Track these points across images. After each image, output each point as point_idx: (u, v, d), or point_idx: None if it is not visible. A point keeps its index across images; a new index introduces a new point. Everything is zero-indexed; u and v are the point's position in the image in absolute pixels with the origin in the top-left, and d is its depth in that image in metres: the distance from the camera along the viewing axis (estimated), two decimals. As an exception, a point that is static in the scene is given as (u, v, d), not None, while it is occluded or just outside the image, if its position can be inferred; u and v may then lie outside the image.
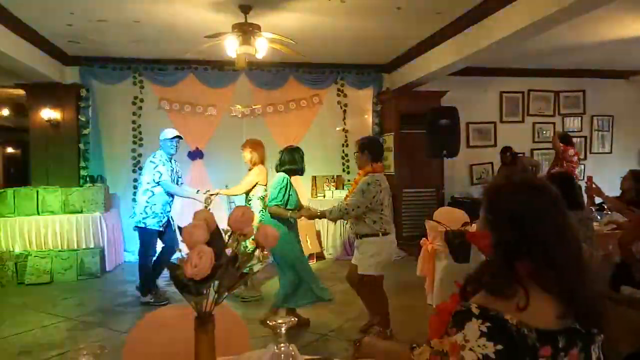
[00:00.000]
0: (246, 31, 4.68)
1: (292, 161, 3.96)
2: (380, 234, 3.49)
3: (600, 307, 1.11)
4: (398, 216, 7.17)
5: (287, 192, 3.83)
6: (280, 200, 3.78)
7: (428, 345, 1.11)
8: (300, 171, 4.04)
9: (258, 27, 4.74)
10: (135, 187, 7.00)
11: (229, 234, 0.94)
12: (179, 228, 0.93)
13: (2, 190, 6.10)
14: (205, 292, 0.90)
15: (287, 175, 3.90)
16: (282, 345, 1.20)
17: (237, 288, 0.96)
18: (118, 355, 1.58)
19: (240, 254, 0.91)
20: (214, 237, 0.91)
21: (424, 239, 4.48)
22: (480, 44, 5.16)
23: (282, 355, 1.19)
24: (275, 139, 6.90)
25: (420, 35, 6.03)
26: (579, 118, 8.54)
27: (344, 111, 7.62)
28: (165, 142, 4.86)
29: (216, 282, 0.91)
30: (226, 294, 0.92)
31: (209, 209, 4.41)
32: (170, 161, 4.91)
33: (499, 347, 1.00)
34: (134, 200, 6.99)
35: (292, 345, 1.21)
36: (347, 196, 3.75)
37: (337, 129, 7.63)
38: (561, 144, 6.63)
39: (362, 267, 3.55)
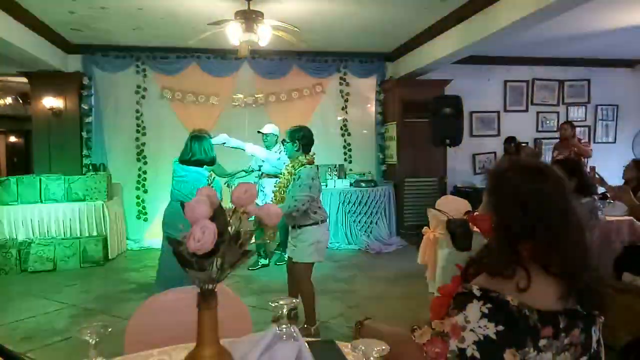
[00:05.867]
0: (249, 18, 4.66)
1: None
2: (320, 222, 3.42)
3: (601, 290, 1.11)
4: (400, 205, 7.19)
5: None
6: None
7: (429, 327, 1.11)
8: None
9: (261, 14, 4.71)
10: (139, 176, 7.04)
11: (232, 211, 0.95)
12: (182, 204, 0.93)
13: (5, 178, 6.12)
14: (208, 268, 0.91)
15: None
16: (283, 326, 1.20)
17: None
18: (121, 339, 1.59)
19: (242, 232, 0.92)
20: (217, 214, 0.91)
21: (426, 227, 4.48)
22: (485, 32, 5.12)
23: (284, 337, 1.19)
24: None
25: (425, 23, 5.98)
26: (584, 107, 8.49)
27: (346, 100, 7.60)
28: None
29: (219, 260, 0.92)
30: (229, 270, 0.93)
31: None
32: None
33: (500, 327, 1.00)
34: (137, 188, 7.03)
35: (294, 326, 1.22)
36: (280, 188, 3.60)
37: (339, 118, 7.61)
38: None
39: (300, 256, 3.43)
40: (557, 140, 7.05)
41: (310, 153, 3.53)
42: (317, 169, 3.55)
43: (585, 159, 6.49)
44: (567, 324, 1.04)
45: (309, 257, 3.42)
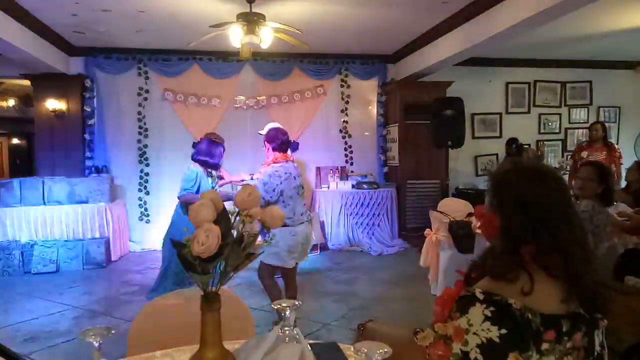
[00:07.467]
0: (251, 21, 4.66)
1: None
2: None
3: (604, 293, 1.11)
4: (402, 207, 7.18)
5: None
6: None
7: (432, 330, 1.11)
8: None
9: (263, 17, 4.72)
10: (141, 178, 7.04)
11: (235, 215, 0.95)
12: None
13: (9, 180, 6.14)
14: (211, 271, 0.91)
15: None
16: (286, 328, 1.20)
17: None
18: (124, 341, 1.59)
19: (246, 235, 0.92)
20: (221, 217, 0.92)
21: (428, 229, 4.48)
22: (487, 34, 5.12)
23: (287, 339, 1.19)
24: (279, 130, 6.89)
25: (426, 25, 5.98)
26: (585, 109, 8.49)
27: (347, 102, 7.60)
28: None
29: (222, 262, 0.92)
30: (232, 273, 0.93)
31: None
32: None
33: (503, 331, 1.00)
34: (139, 190, 7.04)
35: (297, 329, 1.22)
36: None
37: (340, 120, 7.62)
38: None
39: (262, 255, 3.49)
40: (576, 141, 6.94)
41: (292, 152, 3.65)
42: (294, 165, 3.55)
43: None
44: (570, 327, 1.04)
45: (265, 258, 3.45)
